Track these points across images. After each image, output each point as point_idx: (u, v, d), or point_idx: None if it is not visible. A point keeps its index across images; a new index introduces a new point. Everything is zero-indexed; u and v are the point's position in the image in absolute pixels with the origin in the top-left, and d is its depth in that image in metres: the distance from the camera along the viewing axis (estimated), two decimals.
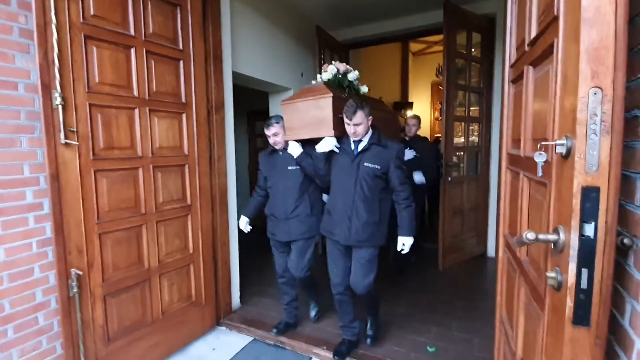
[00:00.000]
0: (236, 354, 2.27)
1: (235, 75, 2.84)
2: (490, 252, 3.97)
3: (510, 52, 1.35)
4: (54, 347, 1.71)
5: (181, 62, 2.17)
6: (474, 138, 3.98)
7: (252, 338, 2.45)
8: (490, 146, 3.86)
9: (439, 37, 5.02)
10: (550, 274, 0.76)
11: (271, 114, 4.07)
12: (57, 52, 1.54)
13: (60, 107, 1.57)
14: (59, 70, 1.56)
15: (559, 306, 0.76)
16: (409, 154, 3.16)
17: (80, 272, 1.70)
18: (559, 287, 0.75)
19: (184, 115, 2.22)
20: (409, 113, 8.12)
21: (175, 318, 2.22)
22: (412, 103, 8.11)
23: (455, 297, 2.97)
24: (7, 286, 1.55)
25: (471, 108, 3.80)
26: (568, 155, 0.71)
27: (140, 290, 2.02)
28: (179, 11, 2.13)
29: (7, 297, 1.55)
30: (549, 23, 0.87)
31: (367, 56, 6.96)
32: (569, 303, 0.71)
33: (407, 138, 3.49)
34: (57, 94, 1.56)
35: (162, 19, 2.04)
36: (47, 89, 1.53)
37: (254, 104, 5.10)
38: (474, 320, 2.56)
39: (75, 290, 1.68)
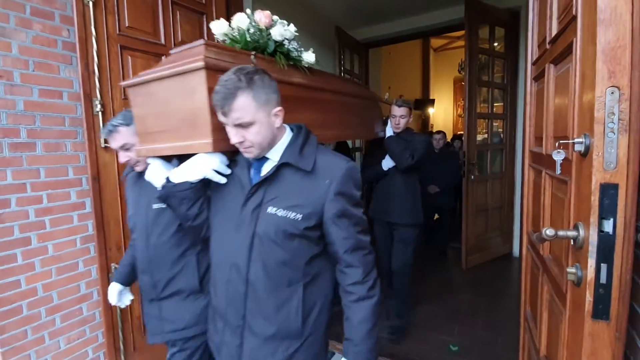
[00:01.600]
0: None
1: None
2: (516, 252, 3.88)
3: (532, 49, 1.34)
4: (96, 336, 1.84)
5: None
6: (499, 135, 3.90)
7: None
8: (515, 143, 3.78)
9: (461, 32, 4.94)
10: (571, 269, 0.78)
11: None
12: (97, 62, 1.67)
13: (100, 113, 1.69)
14: (99, 79, 1.68)
15: (579, 301, 0.77)
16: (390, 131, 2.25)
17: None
18: (579, 282, 0.76)
19: None
20: (431, 111, 8.02)
21: None
22: (433, 100, 7.99)
23: (480, 297, 2.94)
24: (55, 278, 1.69)
25: (495, 104, 3.73)
26: (586, 153, 0.72)
27: None
28: (204, 19, 2.23)
29: (56, 289, 1.69)
30: (568, 22, 0.88)
31: (387, 54, 6.93)
32: (589, 298, 0.72)
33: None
34: (97, 102, 1.68)
35: (190, 28, 2.14)
36: (88, 97, 1.66)
37: None
38: (498, 320, 2.53)
39: None
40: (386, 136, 2.21)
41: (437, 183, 3.75)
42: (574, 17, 0.83)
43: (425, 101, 7.92)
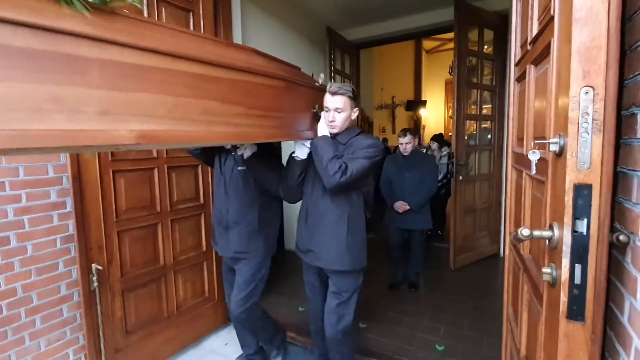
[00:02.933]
0: None
1: None
2: (503, 251, 3.91)
3: (515, 50, 1.35)
4: (77, 338, 1.81)
5: None
6: (487, 136, 3.93)
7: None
8: (502, 144, 3.81)
9: (452, 34, 4.98)
10: (546, 269, 0.78)
11: None
12: None
13: None
14: None
15: (554, 302, 0.77)
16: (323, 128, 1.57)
17: (101, 268, 1.79)
18: (554, 282, 0.76)
19: None
20: (423, 112, 8.07)
21: (190, 313, 2.30)
22: (425, 101, 8.04)
23: (467, 297, 2.95)
24: (34, 279, 1.65)
25: (484, 106, 3.76)
26: (561, 153, 0.72)
27: (157, 285, 2.11)
28: (191, 16, 2.20)
29: (35, 289, 1.65)
30: (547, 22, 0.88)
31: (379, 55, 6.96)
32: (563, 298, 0.72)
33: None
34: None
35: (175, 25, 2.11)
36: None
37: None
38: (484, 320, 2.54)
39: (95, 284, 1.77)
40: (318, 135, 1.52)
41: (406, 198, 2.90)
42: (552, 18, 0.83)
43: (417, 102, 7.96)
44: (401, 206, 2.91)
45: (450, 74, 7.88)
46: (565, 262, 0.71)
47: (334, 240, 1.57)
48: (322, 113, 1.53)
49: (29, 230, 1.63)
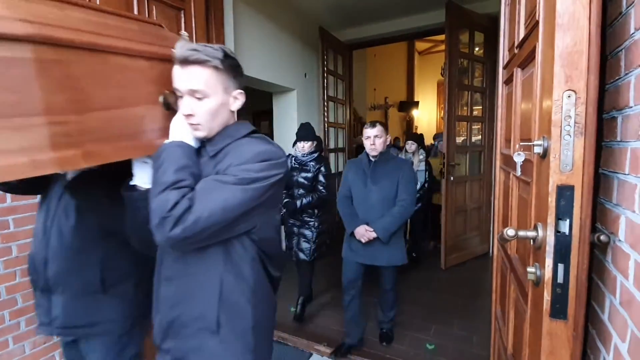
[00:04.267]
0: None
1: None
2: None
3: (503, 53, 1.37)
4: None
5: None
6: (478, 137, 3.98)
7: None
8: (492, 146, 3.86)
9: (444, 37, 5.03)
10: (530, 269, 0.80)
11: (275, 114, 4.14)
12: None
13: None
14: None
15: (538, 300, 0.79)
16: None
17: None
18: (538, 282, 0.78)
19: None
20: (415, 113, 8.13)
21: None
22: (418, 102, 8.09)
23: (457, 296, 2.98)
24: (19, 281, 1.62)
25: (475, 107, 3.80)
26: (545, 155, 0.74)
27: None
28: (182, 15, 2.19)
29: (19, 291, 1.63)
30: (532, 27, 0.90)
31: (372, 55, 6.99)
32: (547, 297, 0.74)
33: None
34: None
35: (167, 23, 2.09)
36: None
37: (259, 104, 5.16)
38: (474, 319, 2.57)
39: None
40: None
41: (372, 221, 2.03)
42: (537, 22, 0.84)
43: (410, 103, 8.02)
44: (365, 233, 2.00)
45: (442, 75, 7.95)
46: (549, 261, 0.72)
47: (198, 334, 0.87)
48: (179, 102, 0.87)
49: (14, 231, 1.60)
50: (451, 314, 2.68)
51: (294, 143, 2.62)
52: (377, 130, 2.02)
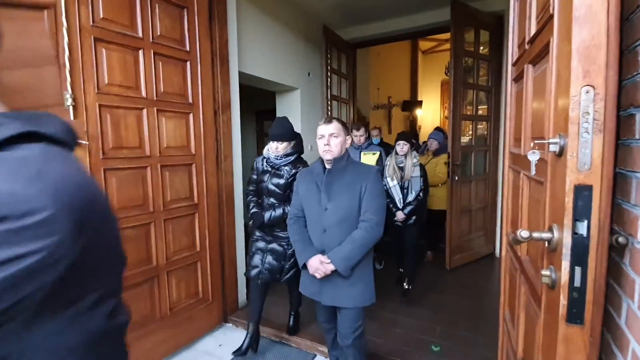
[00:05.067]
0: None
1: (242, 75, 2.88)
2: (499, 252, 3.93)
3: (512, 50, 1.34)
4: None
5: (188, 63, 2.21)
6: (483, 137, 3.94)
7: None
8: (499, 145, 3.83)
9: (448, 35, 4.99)
10: (545, 272, 0.77)
11: (278, 113, 4.11)
12: (67, 54, 1.60)
13: (70, 107, 1.62)
14: (70, 72, 1.61)
15: (553, 304, 0.76)
16: None
17: None
18: (553, 285, 0.75)
19: (190, 115, 2.26)
20: (419, 112, 8.09)
21: (183, 314, 2.27)
22: (421, 102, 8.05)
23: (462, 297, 2.95)
24: None
25: (480, 107, 3.76)
26: (561, 153, 0.71)
27: (149, 286, 2.07)
28: (185, 13, 2.17)
29: None
30: (546, 21, 0.87)
31: (376, 55, 6.95)
32: (563, 301, 0.71)
33: None
34: (68, 95, 1.61)
35: (169, 21, 2.08)
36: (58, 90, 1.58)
37: (262, 104, 5.14)
38: (480, 320, 2.54)
39: None
40: None
41: (328, 249, 1.61)
42: (551, 16, 0.82)
43: (413, 102, 7.97)
44: (319, 266, 1.57)
45: (446, 74, 7.90)
46: (565, 264, 0.70)
47: None
48: None
49: None
50: (456, 315, 2.65)
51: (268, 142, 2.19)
52: (334, 127, 1.58)
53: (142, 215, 2.00)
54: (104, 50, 1.77)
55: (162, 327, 2.14)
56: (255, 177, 2.23)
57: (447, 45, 7.50)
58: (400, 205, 2.85)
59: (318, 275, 1.59)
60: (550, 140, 0.72)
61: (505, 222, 1.40)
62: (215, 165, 2.46)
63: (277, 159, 2.10)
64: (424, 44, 8.05)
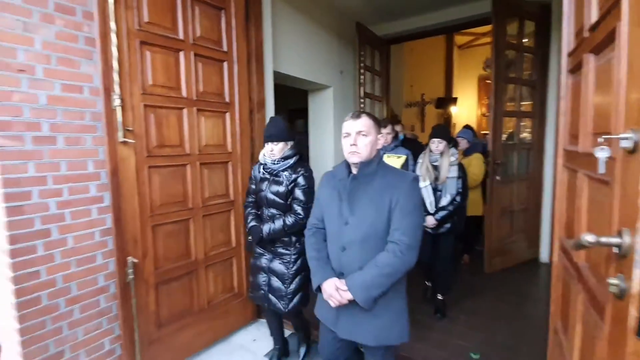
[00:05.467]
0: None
1: (276, 74, 2.91)
2: (543, 257, 3.70)
3: (567, 39, 1.24)
4: (112, 328, 1.87)
5: (225, 63, 2.26)
6: (526, 134, 3.72)
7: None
8: (544, 143, 3.60)
9: (486, 28, 4.74)
10: (613, 280, 0.70)
11: (310, 112, 4.12)
12: (116, 57, 1.68)
13: (118, 108, 1.71)
14: (118, 74, 1.70)
15: (621, 316, 0.69)
16: None
17: (136, 261, 1.84)
18: (622, 295, 0.68)
19: (227, 115, 2.31)
20: (453, 109, 7.80)
21: (220, 308, 2.33)
22: (456, 98, 7.76)
23: (503, 302, 2.81)
24: (74, 270, 1.71)
25: (523, 102, 3.55)
26: (634, 150, 0.64)
27: (188, 280, 2.15)
28: (223, 14, 2.22)
29: (75, 280, 1.72)
30: (610, 6, 0.79)
31: (409, 51, 6.79)
32: (633, 313, 0.64)
33: None
34: (116, 96, 1.70)
35: (208, 23, 2.14)
36: (107, 91, 1.67)
37: (295, 102, 5.18)
38: (521, 327, 2.41)
39: (131, 277, 1.82)
40: None
41: (346, 273, 1.36)
42: (618, 1, 0.74)
43: (447, 99, 7.70)
44: (333, 293, 1.31)
45: (484, 69, 7.56)
46: (637, 272, 0.63)
47: None
48: None
49: (69, 223, 1.69)
50: (497, 321, 2.52)
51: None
52: (363, 123, 1.30)
53: (182, 212, 2.07)
54: (148, 52, 1.84)
55: (200, 320, 2.21)
56: (253, 186, 2.00)
57: (485, 39, 7.19)
58: (431, 209, 2.49)
59: (332, 304, 1.32)
60: (622, 135, 0.65)
61: (558, 226, 1.30)
62: (250, 163, 2.50)
63: (274, 163, 1.87)
64: (459, 39, 7.74)
